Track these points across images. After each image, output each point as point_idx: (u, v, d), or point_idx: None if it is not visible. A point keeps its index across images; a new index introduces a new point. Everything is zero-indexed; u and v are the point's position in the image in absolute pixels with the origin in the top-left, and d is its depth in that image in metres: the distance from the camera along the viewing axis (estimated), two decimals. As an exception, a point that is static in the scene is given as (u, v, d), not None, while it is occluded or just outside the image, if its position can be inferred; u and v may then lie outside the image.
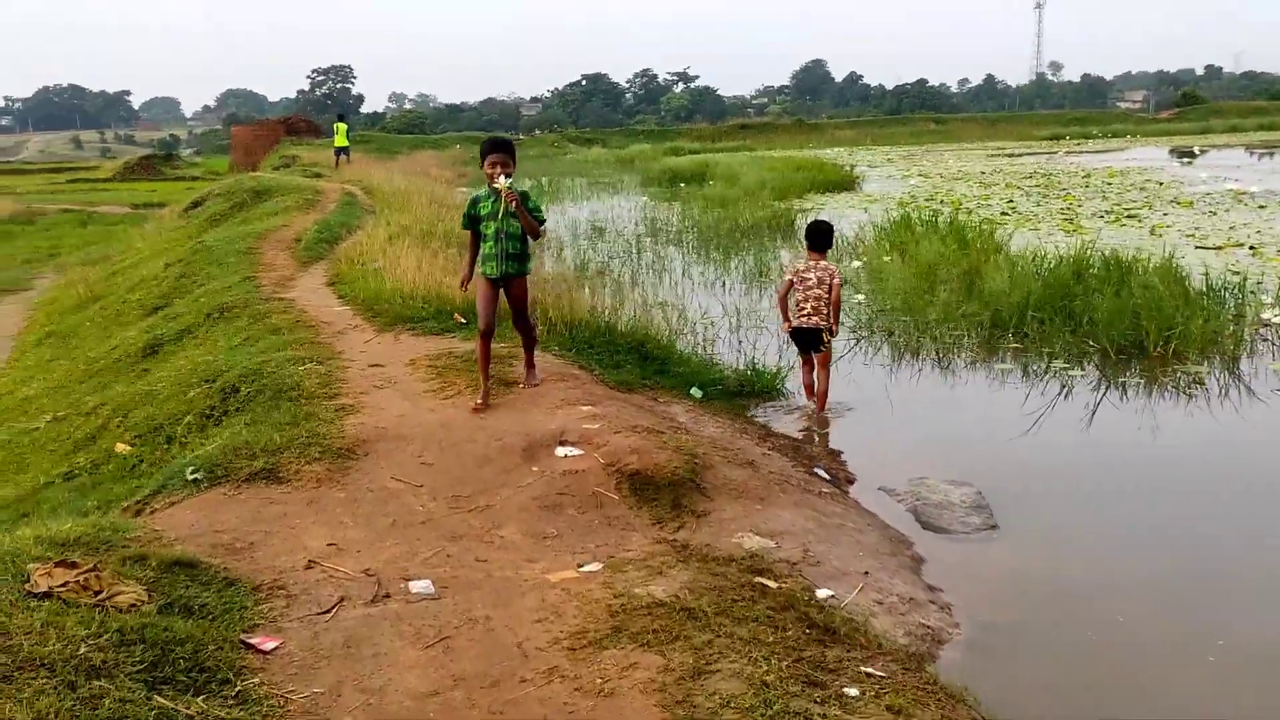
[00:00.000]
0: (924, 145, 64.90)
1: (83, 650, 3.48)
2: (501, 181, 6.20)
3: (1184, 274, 9.76)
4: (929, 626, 4.20)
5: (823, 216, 20.37)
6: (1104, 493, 5.94)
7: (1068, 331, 8.87)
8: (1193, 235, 15.50)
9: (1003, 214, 19.60)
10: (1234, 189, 21.94)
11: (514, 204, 6.21)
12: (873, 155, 51.41)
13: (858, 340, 9.50)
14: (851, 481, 6.14)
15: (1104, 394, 7.61)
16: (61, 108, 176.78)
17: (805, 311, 7.55)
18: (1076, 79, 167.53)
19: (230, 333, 8.82)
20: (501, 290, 6.50)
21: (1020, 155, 47.87)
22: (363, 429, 5.81)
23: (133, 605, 4.01)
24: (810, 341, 7.59)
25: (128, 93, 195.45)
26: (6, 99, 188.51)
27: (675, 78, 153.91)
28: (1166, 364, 8.23)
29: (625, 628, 3.75)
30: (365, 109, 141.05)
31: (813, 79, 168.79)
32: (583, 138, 76.34)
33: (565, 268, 14.23)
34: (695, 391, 7.13)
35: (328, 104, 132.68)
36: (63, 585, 4.02)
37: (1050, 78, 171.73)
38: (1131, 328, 8.54)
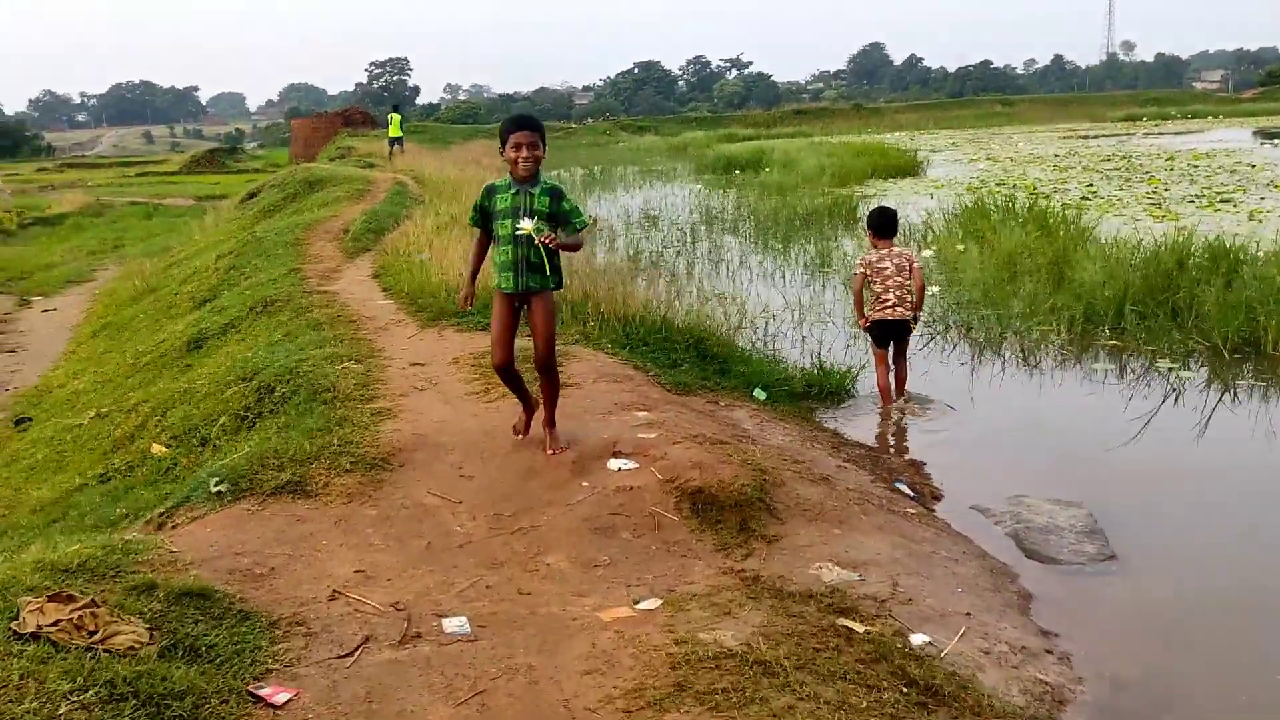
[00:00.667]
0: (990, 128, 63.17)
1: (63, 710, 3.01)
2: (527, 224, 4.80)
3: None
4: (1047, 683, 3.56)
5: (886, 203, 19.79)
6: (1232, 514, 5.22)
7: (1171, 327, 8.10)
8: (1292, 220, 14.49)
9: (1082, 199, 18.63)
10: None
11: (551, 243, 4.86)
12: (936, 139, 50.06)
13: (933, 336, 8.82)
14: (938, 499, 5.49)
15: (1218, 397, 6.85)
16: (134, 104, 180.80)
17: (888, 303, 7.04)
18: (1150, 59, 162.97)
19: (272, 327, 8.45)
20: (523, 311, 5.11)
21: (1095, 137, 46.25)
22: (399, 436, 5.31)
23: (131, 648, 3.53)
24: (896, 332, 7.12)
25: (196, 88, 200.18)
26: (83, 95, 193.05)
27: (728, 64, 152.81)
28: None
29: (690, 684, 3.19)
30: (421, 100, 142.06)
31: (870, 62, 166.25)
32: (635, 125, 75.76)
33: (618, 258, 13.67)
34: (759, 393, 6.52)
35: (385, 96, 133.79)
36: (54, 624, 3.56)
37: (1122, 57, 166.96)
38: (1246, 324, 7.76)
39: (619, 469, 4.83)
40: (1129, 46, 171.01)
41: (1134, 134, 47.56)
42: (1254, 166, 24.50)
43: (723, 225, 17.46)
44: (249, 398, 6.55)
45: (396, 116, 32.53)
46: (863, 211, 17.94)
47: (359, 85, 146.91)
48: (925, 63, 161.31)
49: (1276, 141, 37.01)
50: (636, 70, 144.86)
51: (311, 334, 7.54)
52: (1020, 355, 8.15)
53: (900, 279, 7.04)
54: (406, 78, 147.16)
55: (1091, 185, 21.68)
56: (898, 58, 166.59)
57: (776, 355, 7.77)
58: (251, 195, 20.33)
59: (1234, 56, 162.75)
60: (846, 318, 9.61)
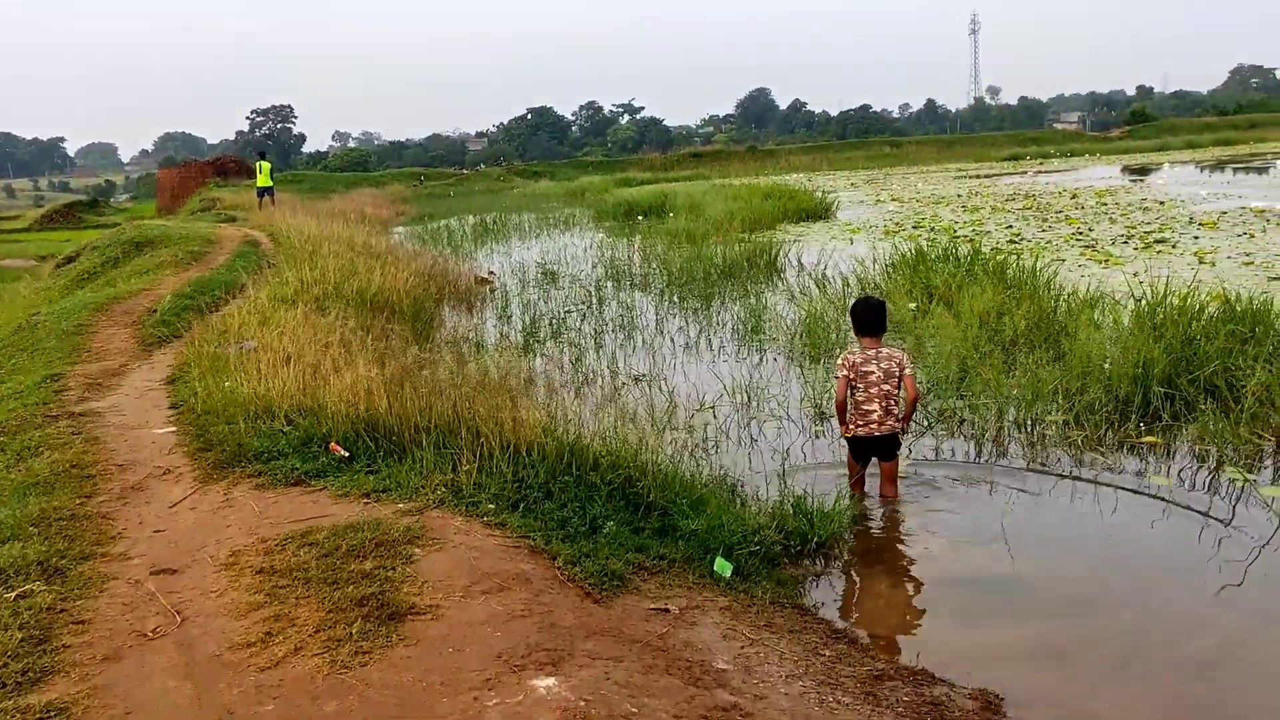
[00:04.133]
0: (882, 169, 63.35)
1: None
2: None
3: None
4: None
5: (809, 252, 18.16)
6: None
7: (1219, 415, 6.33)
8: (1250, 263, 13.21)
9: (1011, 242, 17.25)
10: (1259, 207, 19.83)
11: None
12: (833, 180, 49.36)
13: (919, 434, 6.92)
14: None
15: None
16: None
17: (873, 416, 5.71)
18: (1014, 102, 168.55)
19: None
20: None
21: (989, 176, 46.10)
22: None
23: None
24: (882, 449, 5.80)
25: (62, 139, 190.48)
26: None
27: (621, 109, 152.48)
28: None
29: None
30: (307, 148, 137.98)
31: (758, 107, 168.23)
32: (530, 171, 74.09)
33: (510, 331, 11.54)
34: (721, 567, 4.40)
35: (268, 144, 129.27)
36: None
37: (989, 101, 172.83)
38: None
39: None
40: (994, 91, 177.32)
41: (1025, 172, 47.60)
42: (1163, 204, 23.76)
43: (631, 281, 15.47)
44: None
45: (266, 165, 29.85)
46: (785, 259, 16.25)
47: (240, 134, 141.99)
48: (809, 107, 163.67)
49: (1138, 178, 37.21)
50: (530, 115, 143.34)
51: (10, 507, 4.81)
52: (1039, 460, 6.27)
53: (888, 387, 5.73)
54: (291, 125, 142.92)
55: (1011, 226, 20.47)
56: (783, 102, 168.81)
57: (734, 486, 5.68)
58: (70, 259, 17.30)
59: (1088, 99, 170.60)
60: (800, 402, 7.67)
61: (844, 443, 6.06)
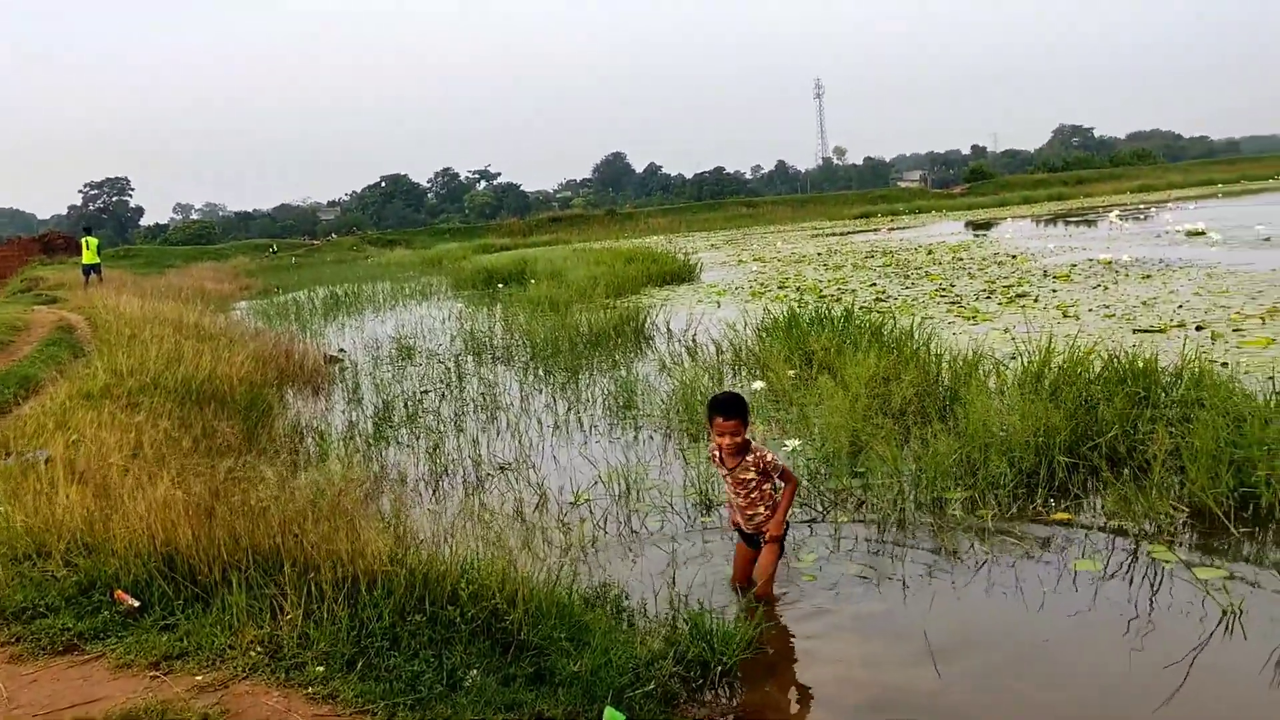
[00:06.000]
0: (740, 229, 64.43)
1: None
2: None
3: (1231, 380, 7.09)
4: None
5: (677, 316, 17.63)
6: None
7: (1130, 485, 5.90)
8: (1111, 315, 13.31)
9: (878, 300, 17.17)
10: (1106, 259, 20.44)
11: None
12: (693, 242, 49.68)
13: (814, 518, 6.29)
14: None
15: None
16: None
17: (739, 511, 5.20)
18: (859, 161, 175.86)
19: None
20: None
21: (846, 234, 47.19)
22: None
23: None
24: (758, 541, 5.19)
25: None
26: None
27: (477, 175, 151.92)
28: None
29: None
30: (146, 221, 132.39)
31: (614, 171, 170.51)
32: (385, 239, 72.65)
33: (360, 417, 10.50)
34: (612, 717, 3.60)
35: (104, 218, 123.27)
36: None
37: (836, 161, 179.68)
38: (1210, 470, 5.65)
39: None
40: (840, 151, 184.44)
41: (879, 229, 48.96)
42: (1015, 257, 24.39)
43: (493, 354, 14.61)
44: None
45: (93, 240, 27.88)
46: (652, 325, 15.68)
47: (72, 208, 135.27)
48: (664, 170, 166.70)
49: (980, 232, 38.86)
50: (383, 184, 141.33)
51: None
52: (948, 546, 5.69)
53: (751, 477, 5.07)
54: (128, 198, 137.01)
55: (875, 284, 20.53)
56: (638, 165, 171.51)
57: (613, 595, 4.90)
58: None
59: (928, 158, 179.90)
60: (684, 488, 6.97)
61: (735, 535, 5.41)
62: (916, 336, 10.02)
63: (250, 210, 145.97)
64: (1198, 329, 11.56)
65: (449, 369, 13.34)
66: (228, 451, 6.80)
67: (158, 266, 42.97)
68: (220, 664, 3.62)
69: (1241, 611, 4.50)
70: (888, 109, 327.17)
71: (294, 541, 4.24)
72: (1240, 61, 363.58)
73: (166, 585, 4.30)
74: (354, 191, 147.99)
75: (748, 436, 5.05)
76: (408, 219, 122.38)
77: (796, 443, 7.38)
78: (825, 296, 18.39)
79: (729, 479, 5.11)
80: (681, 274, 26.02)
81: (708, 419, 5.10)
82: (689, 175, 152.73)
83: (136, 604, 4.22)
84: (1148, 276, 17.50)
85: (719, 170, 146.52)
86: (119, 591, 4.28)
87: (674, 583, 5.37)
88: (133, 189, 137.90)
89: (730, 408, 4.96)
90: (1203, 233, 25.45)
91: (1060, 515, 5.89)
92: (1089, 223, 40.47)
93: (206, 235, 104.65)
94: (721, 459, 5.11)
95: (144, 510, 4.54)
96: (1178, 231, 27.76)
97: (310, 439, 9.23)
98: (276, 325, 20.30)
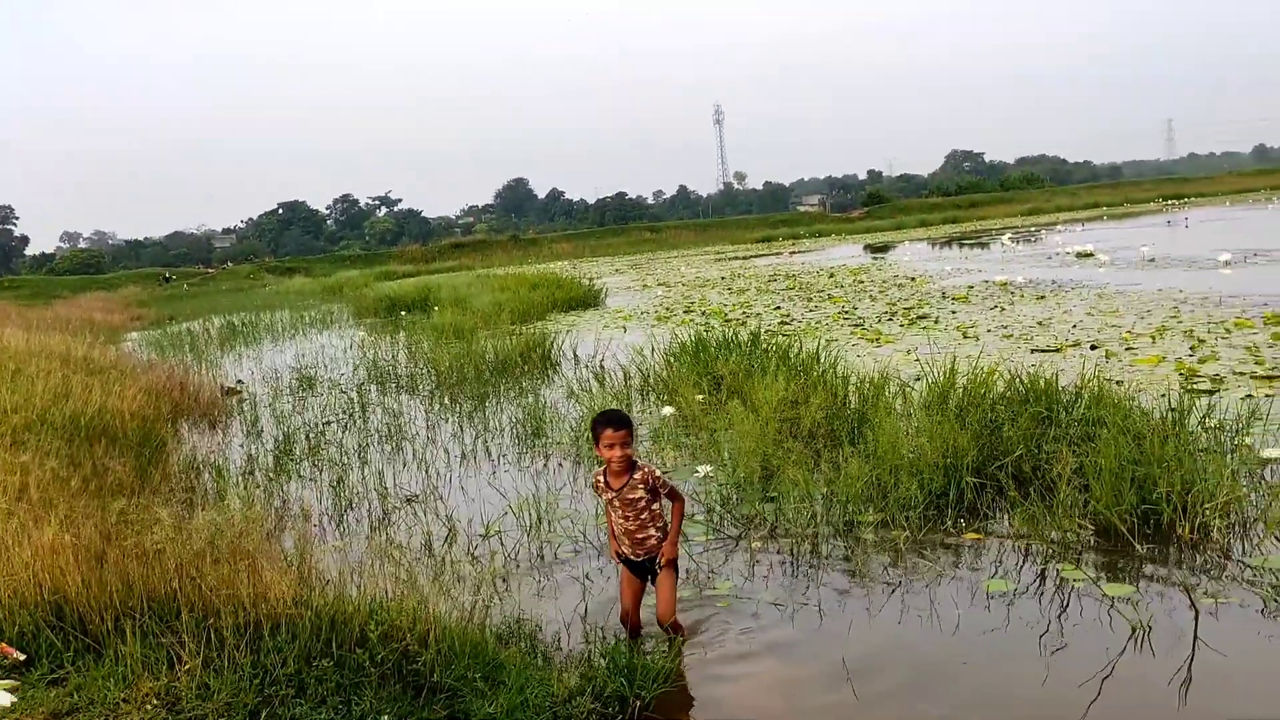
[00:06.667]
0: (644, 254, 64.96)
1: None
2: None
3: (1129, 399, 7.32)
4: None
5: (584, 342, 17.50)
6: None
7: (1038, 504, 6.01)
8: (1009, 335, 13.69)
9: (782, 324, 17.39)
10: (1001, 280, 21.07)
11: None
12: (598, 267, 49.83)
13: (729, 547, 6.26)
14: None
15: (1193, 624, 4.68)
16: None
17: (628, 536, 4.92)
18: (760, 186, 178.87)
19: None
20: None
21: (748, 258, 47.81)
22: None
23: None
24: (648, 567, 4.94)
25: None
26: None
27: (377, 202, 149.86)
28: (1207, 548, 5.53)
29: None
30: (32, 250, 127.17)
31: (516, 196, 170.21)
32: (283, 267, 71.09)
33: (261, 450, 10.14)
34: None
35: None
36: None
37: (736, 186, 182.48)
38: (1114, 488, 5.79)
39: None
40: (741, 176, 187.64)
41: (781, 253, 49.80)
42: (914, 279, 25.01)
43: (397, 383, 14.31)
44: None
45: (-30, 271, 26.53)
46: (559, 351, 15.57)
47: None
48: (567, 195, 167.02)
49: (878, 255, 39.85)
50: (281, 210, 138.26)
51: None
52: (862, 570, 5.71)
53: (640, 500, 4.84)
54: (12, 227, 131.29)
55: (779, 308, 20.82)
56: (541, 191, 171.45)
57: (527, 630, 4.77)
58: None
59: (826, 183, 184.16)
60: (595, 516, 6.88)
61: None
62: (823, 359, 10.13)
63: (141, 238, 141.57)
64: (1092, 348, 11.97)
65: (352, 399, 13.01)
66: (120, 491, 6.46)
67: (44, 297, 41.28)
68: (115, 719, 3.40)
69: (1150, 628, 4.60)
70: (786, 134, 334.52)
71: (192, 586, 4.02)
72: (1120, 91, 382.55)
73: (55, 636, 4.02)
74: (250, 218, 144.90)
75: (634, 456, 4.93)
76: (307, 246, 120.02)
77: (708, 468, 7.36)
78: (731, 320, 18.57)
79: (616, 502, 4.84)
80: (587, 299, 26.02)
81: (594, 437, 4.84)
82: (592, 200, 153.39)
83: (22, 657, 3.93)
84: (1042, 297, 18.10)
85: (621, 195, 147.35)
86: (2, 644, 3.99)
87: (588, 614, 5.28)
88: (17, 218, 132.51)
89: (618, 418, 4.81)
90: (1091, 254, 26.52)
91: (971, 535, 5.97)
92: (983, 245, 41.82)
93: (95, 264, 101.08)
94: (608, 482, 4.86)
95: (29, 557, 4.26)
96: (1068, 253, 28.86)
97: (207, 475, 8.87)
98: (170, 356, 19.61)
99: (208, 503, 7.07)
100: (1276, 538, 5.53)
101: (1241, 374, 9.70)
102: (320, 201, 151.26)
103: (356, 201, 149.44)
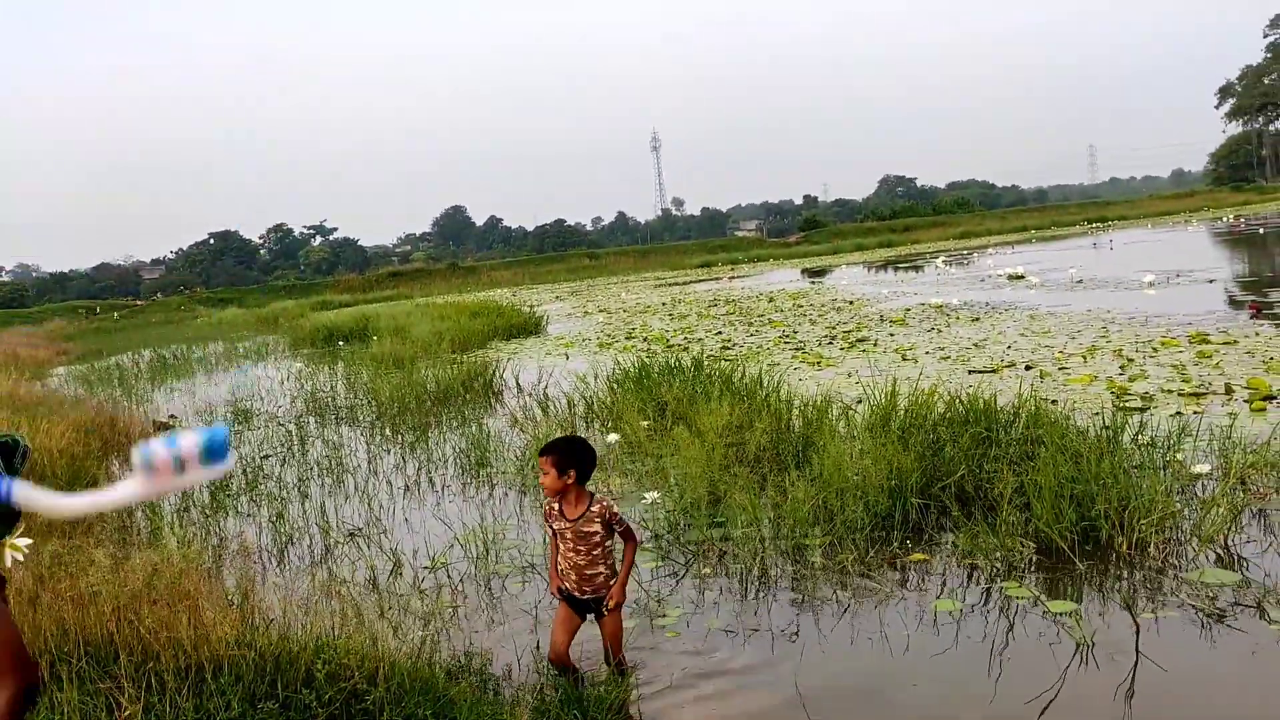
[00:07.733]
0: (584, 280, 65.01)
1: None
2: None
3: (1065, 417, 7.48)
4: None
5: (526, 370, 17.43)
6: None
7: (981, 524, 6.10)
8: (947, 357, 13.93)
9: (724, 349, 17.48)
10: (937, 303, 21.44)
11: None
12: (538, 294, 49.74)
13: (679, 574, 6.25)
14: None
15: (1134, 638, 4.76)
16: None
17: (576, 571, 4.76)
18: (697, 212, 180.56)
19: None
20: None
21: (688, 283, 48.08)
22: None
23: None
24: (592, 607, 4.81)
25: None
26: None
27: (312, 231, 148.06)
28: (1145, 562, 5.65)
29: None
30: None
31: (454, 224, 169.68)
32: (216, 298, 69.87)
33: (196, 488, 9.92)
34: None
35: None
36: None
37: (675, 212, 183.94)
38: (1054, 506, 5.91)
39: None
40: (679, 202, 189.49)
41: (720, 278, 50.16)
42: (852, 303, 25.34)
43: (337, 414, 14.10)
44: None
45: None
46: (501, 379, 15.48)
47: None
48: (505, 223, 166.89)
49: (816, 280, 40.39)
50: (212, 240, 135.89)
51: None
52: (810, 593, 5.73)
53: (593, 534, 4.70)
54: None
55: (720, 333, 20.94)
56: (479, 219, 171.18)
57: (477, 663, 4.71)
58: None
59: (763, 208, 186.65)
60: (543, 544, 6.82)
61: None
62: (766, 384, 10.20)
63: (66, 270, 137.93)
64: (1027, 368, 12.22)
65: (290, 431, 12.79)
66: (51, 533, 6.25)
67: (-38, 332, 39.91)
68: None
69: (1093, 643, 4.68)
70: (723, 161, 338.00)
71: (130, 628, 3.90)
72: (1045, 119, 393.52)
73: (-20, 688, 3.87)
74: (180, 249, 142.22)
75: (590, 489, 4.87)
76: (240, 277, 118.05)
77: (655, 494, 7.35)
78: (673, 346, 18.63)
79: (569, 533, 4.68)
80: (528, 327, 25.95)
81: (553, 464, 4.62)
82: (530, 228, 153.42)
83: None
84: (977, 319, 18.44)
85: (560, 222, 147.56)
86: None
87: (539, 646, 5.23)
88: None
89: (548, 446, 4.69)
90: (1022, 276, 27.12)
91: (917, 556, 6.03)
92: (917, 268, 42.55)
93: (19, 298, 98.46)
94: (562, 509, 4.69)
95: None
96: (1000, 275, 29.50)
97: (140, 514, 8.64)
98: (99, 392, 19.12)
99: (143, 542, 6.88)
100: (1209, 552, 5.67)
101: (1170, 391, 9.98)
102: (253, 231, 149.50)
103: (290, 231, 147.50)
